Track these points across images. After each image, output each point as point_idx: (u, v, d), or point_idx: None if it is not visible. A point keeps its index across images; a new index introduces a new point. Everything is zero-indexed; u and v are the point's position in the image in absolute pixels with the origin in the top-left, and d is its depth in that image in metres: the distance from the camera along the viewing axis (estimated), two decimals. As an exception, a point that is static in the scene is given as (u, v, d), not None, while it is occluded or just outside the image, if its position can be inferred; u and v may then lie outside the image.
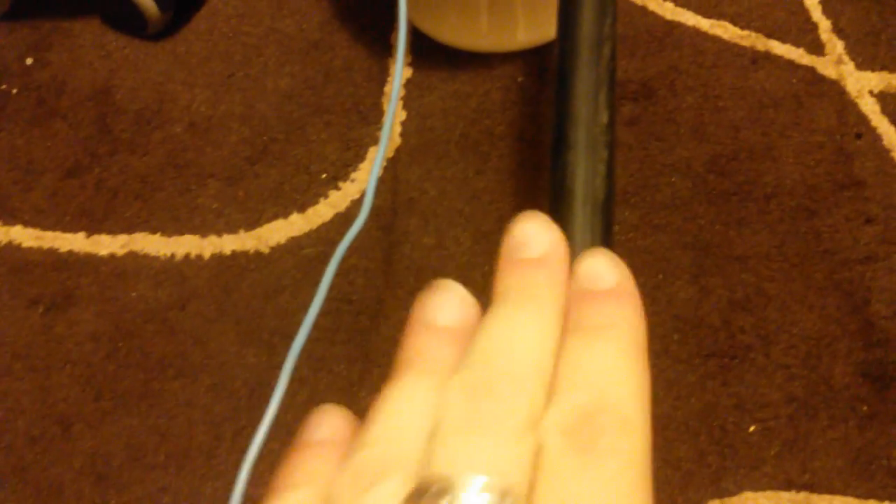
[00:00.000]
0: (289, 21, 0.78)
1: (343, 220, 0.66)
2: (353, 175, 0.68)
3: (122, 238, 0.66)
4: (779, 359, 0.59)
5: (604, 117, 0.39)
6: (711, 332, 0.60)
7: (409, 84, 0.73)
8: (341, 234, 0.49)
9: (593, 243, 0.36)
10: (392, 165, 0.69)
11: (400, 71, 0.53)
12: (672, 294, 0.62)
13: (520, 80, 0.73)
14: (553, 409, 0.23)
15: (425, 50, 0.75)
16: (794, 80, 0.72)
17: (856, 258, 0.63)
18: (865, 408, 0.58)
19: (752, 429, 0.57)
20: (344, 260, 0.63)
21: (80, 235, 0.66)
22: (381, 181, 0.68)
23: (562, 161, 0.38)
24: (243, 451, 0.35)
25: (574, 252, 0.35)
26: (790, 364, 0.59)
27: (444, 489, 0.21)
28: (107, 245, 0.66)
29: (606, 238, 0.36)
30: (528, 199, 0.66)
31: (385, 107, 0.72)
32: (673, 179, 0.67)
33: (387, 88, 0.73)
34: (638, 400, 0.24)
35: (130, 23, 0.76)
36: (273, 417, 0.36)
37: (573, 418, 0.23)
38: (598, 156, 0.38)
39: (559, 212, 0.37)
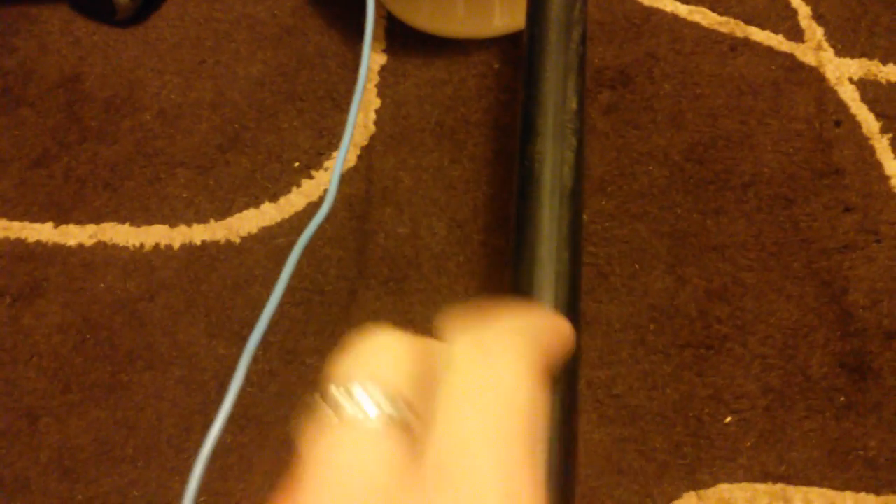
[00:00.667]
0: (261, 7, 0.76)
1: (316, 208, 0.65)
2: (326, 163, 0.67)
3: (91, 228, 0.65)
4: (756, 349, 0.59)
5: (573, 103, 0.39)
6: (688, 322, 0.60)
7: (383, 71, 0.72)
8: (326, 217, 0.48)
9: (560, 233, 0.35)
10: (366, 154, 0.67)
11: (367, 57, 0.52)
12: (648, 284, 0.61)
13: (496, 67, 0.72)
14: (465, 333, 0.27)
15: (401, 37, 0.74)
16: (773, 67, 0.71)
17: (834, 247, 0.62)
18: (842, 398, 0.57)
19: (728, 420, 0.56)
20: (317, 250, 0.63)
21: (48, 226, 0.65)
22: (356, 170, 0.67)
23: (529, 149, 0.37)
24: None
25: (542, 243, 0.35)
26: (767, 354, 0.58)
27: (342, 393, 0.24)
28: (75, 235, 0.64)
29: (574, 227, 0.36)
30: (502, 188, 0.65)
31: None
32: (650, 168, 0.66)
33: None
34: (533, 332, 0.28)
35: (99, 9, 0.74)
36: (229, 411, 0.35)
37: (481, 334, 0.27)
38: (567, 143, 0.37)
39: (526, 201, 0.36)
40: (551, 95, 0.39)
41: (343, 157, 0.48)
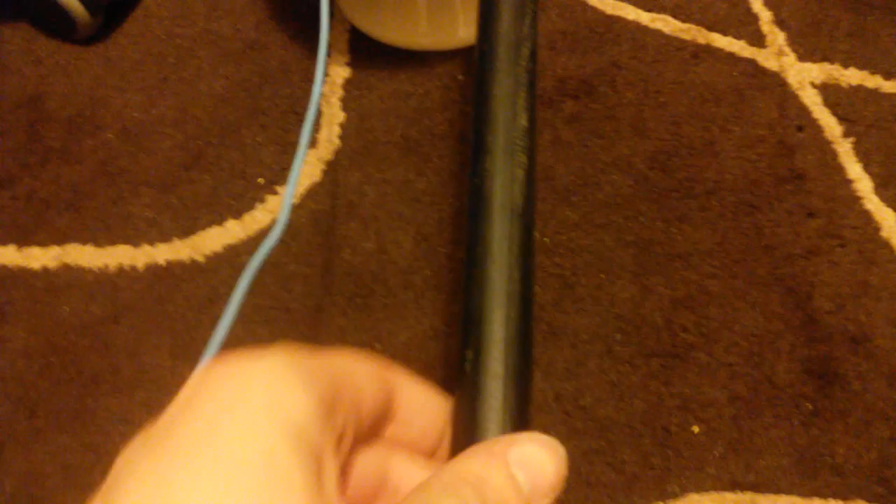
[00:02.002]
0: (224, 22, 0.76)
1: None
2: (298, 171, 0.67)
3: (55, 250, 0.64)
4: (722, 357, 0.59)
5: (522, 120, 0.38)
6: (654, 331, 0.60)
7: (348, 84, 0.72)
8: (279, 241, 0.48)
9: (510, 251, 0.35)
10: (331, 168, 0.67)
11: (321, 71, 0.52)
12: (614, 294, 0.61)
13: (460, 78, 0.72)
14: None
15: (364, 49, 0.74)
16: (736, 73, 0.71)
17: (798, 253, 0.63)
18: (809, 405, 0.57)
19: (695, 429, 0.57)
20: (282, 267, 0.62)
21: (11, 249, 0.64)
22: (321, 185, 0.67)
23: (480, 167, 0.37)
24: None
25: (492, 262, 0.34)
26: (733, 362, 0.59)
27: None
28: (39, 258, 0.64)
29: (525, 246, 0.35)
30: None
31: (324, 108, 0.70)
32: (614, 177, 0.66)
33: (325, 89, 0.72)
34: None
35: (60, 27, 0.74)
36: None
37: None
38: (517, 160, 0.37)
39: (476, 220, 0.36)
40: (500, 113, 0.39)
41: (295, 180, 0.48)
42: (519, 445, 0.26)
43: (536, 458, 0.26)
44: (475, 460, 0.26)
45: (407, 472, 0.29)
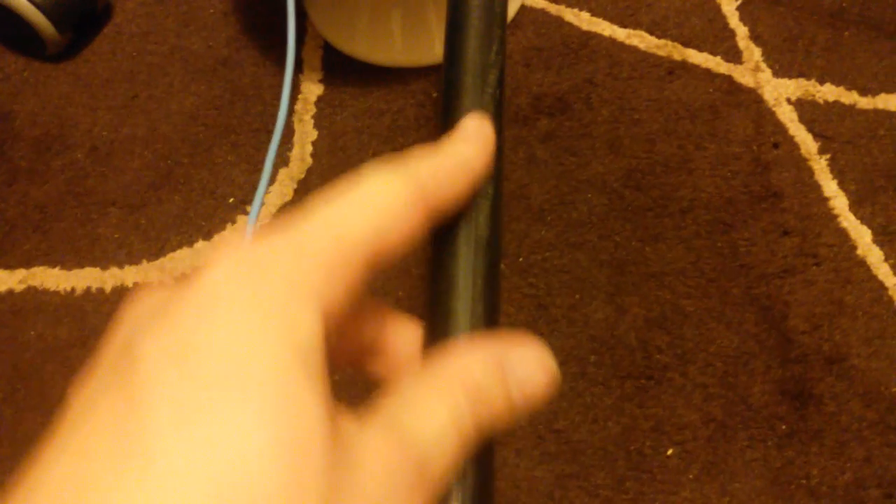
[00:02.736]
0: (195, 38, 0.75)
1: (252, 246, 0.64)
2: (262, 199, 0.66)
3: (21, 273, 0.63)
4: (696, 378, 0.58)
5: None
6: (628, 352, 0.59)
7: (320, 102, 0.71)
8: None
9: (475, 284, 0.34)
10: (303, 188, 0.66)
11: (288, 89, 0.51)
12: (588, 314, 0.60)
13: (435, 95, 0.71)
14: None
15: (338, 66, 0.73)
16: (711, 90, 0.71)
17: (773, 272, 0.62)
18: (784, 426, 0.57)
19: (670, 452, 0.56)
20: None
21: (-24, 271, 0.63)
22: (292, 204, 0.66)
23: None
24: None
25: (456, 296, 0.34)
26: (708, 383, 0.58)
27: None
28: (4, 281, 0.63)
29: (491, 278, 0.35)
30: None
31: (297, 126, 0.70)
32: (589, 195, 0.65)
33: (297, 107, 0.71)
34: None
35: (28, 44, 0.73)
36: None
37: None
38: (482, 191, 0.36)
39: (440, 252, 0.35)
40: None
41: (260, 200, 0.47)
42: (516, 353, 0.27)
43: (533, 374, 0.26)
44: (472, 364, 0.26)
45: (398, 330, 0.31)
